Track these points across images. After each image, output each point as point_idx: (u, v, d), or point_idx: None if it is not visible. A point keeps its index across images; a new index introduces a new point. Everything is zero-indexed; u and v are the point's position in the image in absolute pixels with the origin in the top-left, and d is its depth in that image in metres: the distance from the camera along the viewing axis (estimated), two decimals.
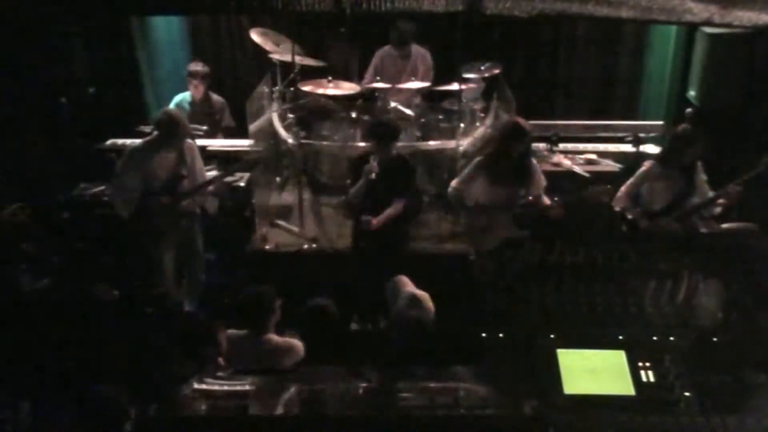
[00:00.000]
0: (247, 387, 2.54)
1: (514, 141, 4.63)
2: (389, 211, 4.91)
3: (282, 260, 5.62)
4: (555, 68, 7.35)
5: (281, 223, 6.00)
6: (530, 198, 4.79)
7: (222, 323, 3.51)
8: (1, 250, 4.94)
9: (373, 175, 4.75)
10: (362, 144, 5.71)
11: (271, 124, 6.23)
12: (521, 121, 4.74)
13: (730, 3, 3.21)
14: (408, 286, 3.93)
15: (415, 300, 3.70)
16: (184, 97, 6.27)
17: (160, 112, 4.84)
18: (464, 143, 5.88)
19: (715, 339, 2.87)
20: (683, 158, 4.79)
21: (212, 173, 5.60)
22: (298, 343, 3.69)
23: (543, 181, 4.88)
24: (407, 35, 6.24)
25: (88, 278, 4.74)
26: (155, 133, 4.81)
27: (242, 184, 5.67)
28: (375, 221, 4.86)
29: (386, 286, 4.07)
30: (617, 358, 2.69)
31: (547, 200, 4.77)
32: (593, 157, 5.86)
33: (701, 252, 4.04)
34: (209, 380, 2.70)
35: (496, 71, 6.13)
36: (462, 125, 6.02)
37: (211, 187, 5.01)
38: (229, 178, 5.34)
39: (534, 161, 4.98)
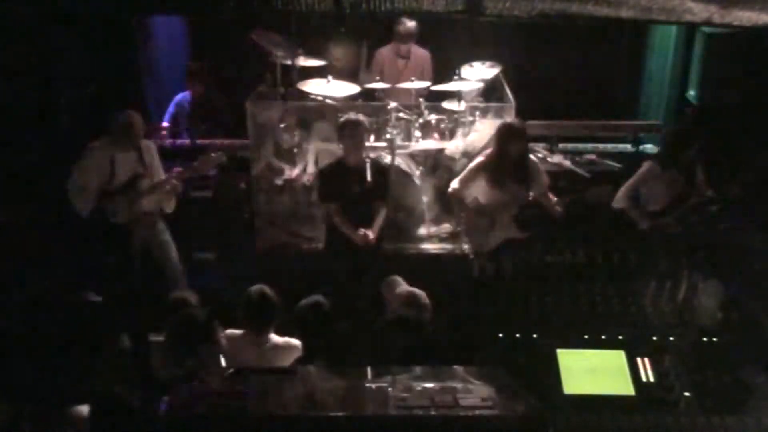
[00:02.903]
0: (247, 387, 2.54)
1: (511, 142, 4.63)
2: (379, 219, 4.86)
3: (282, 260, 5.62)
4: (555, 68, 7.34)
5: (281, 223, 6.00)
6: (532, 197, 4.79)
7: (222, 323, 3.51)
8: (1, 250, 4.94)
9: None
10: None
11: (271, 124, 6.23)
12: (516, 122, 4.74)
13: (730, 3, 3.20)
14: (403, 285, 3.94)
15: (412, 298, 3.70)
16: (184, 96, 6.28)
17: (120, 112, 4.75)
18: (464, 143, 5.88)
19: (715, 339, 2.87)
20: (682, 158, 4.79)
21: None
22: (298, 343, 3.69)
23: (546, 180, 4.88)
24: (412, 31, 6.25)
25: (87, 279, 4.75)
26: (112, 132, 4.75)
27: (242, 184, 5.67)
28: (371, 235, 4.76)
29: (382, 286, 4.08)
30: (617, 358, 2.69)
31: (552, 198, 4.77)
32: (593, 157, 5.87)
33: (701, 252, 4.05)
34: (209, 380, 2.70)
35: (496, 71, 6.13)
36: (462, 125, 6.02)
37: (168, 186, 4.94)
38: (185, 176, 5.25)
39: (535, 160, 4.98)
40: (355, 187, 4.71)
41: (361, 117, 4.86)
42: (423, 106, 6.06)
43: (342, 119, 4.86)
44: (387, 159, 5.56)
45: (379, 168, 4.99)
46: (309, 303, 3.69)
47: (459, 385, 2.39)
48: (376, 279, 4.35)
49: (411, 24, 6.24)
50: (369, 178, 4.69)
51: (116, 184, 4.76)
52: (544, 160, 5.67)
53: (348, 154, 4.76)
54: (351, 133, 4.70)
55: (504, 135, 4.67)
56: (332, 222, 4.88)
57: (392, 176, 5.58)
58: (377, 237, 4.86)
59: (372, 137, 5.86)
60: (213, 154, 5.09)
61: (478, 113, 5.96)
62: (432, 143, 5.93)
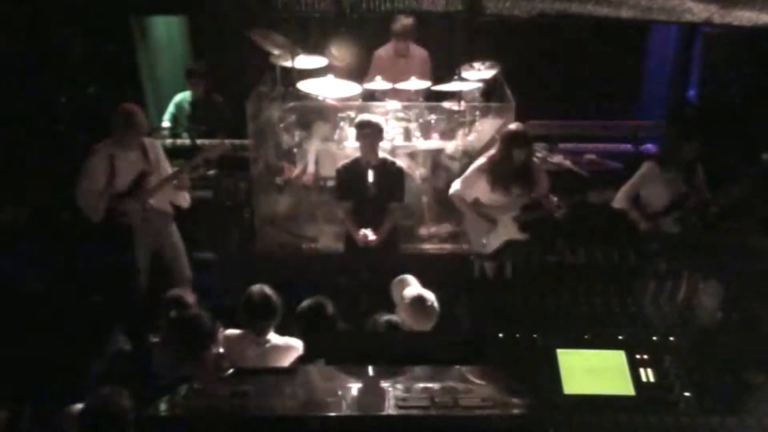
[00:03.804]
0: (247, 387, 2.54)
1: (515, 148, 4.62)
2: (389, 220, 4.89)
3: (282, 260, 5.62)
4: (555, 68, 7.34)
5: (281, 223, 6.00)
6: (533, 198, 4.79)
7: (222, 323, 3.51)
8: (1, 250, 4.94)
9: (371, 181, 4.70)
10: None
11: (271, 124, 6.23)
12: (522, 128, 4.72)
13: (730, 3, 3.21)
14: (413, 285, 3.93)
15: (418, 302, 3.69)
16: (184, 96, 6.28)
17: (118, 107, 4.73)
18: (464, 143, 5.89)
19: (715, 339, 2.87)
20: (681, 158, 4.79)
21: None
22: (298, 343, 3.69)
23: (547, 182, 4.88)
24: (410, 28, 6.25)
25: (87, 278, 4.75)
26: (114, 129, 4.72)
27: (242, 184, 5.67)
28: (374, 236, 4.82)
29: (392, 284, 4.07)
30: (617, 358, 2.69)
31: (553, 200, 4.77)
32: (593, 157, 5.87)
33: (701, 252, 4.05)
34: (209, 380, 2.70)
35: (496, 71, 6.13)
36: (462, 125, 6.02)
37: (174, 182, 4.95)
38: (190, 172, 5.27)
39: (536, 162, 4.98)
40: (370, 188, 4.74)
41: (375, 117, 4.91)
42: (423, 106, 6.07)
43: (358, 120, 4.91)
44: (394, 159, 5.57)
45: (392, 169, 5.01)
46: (310, 303, 3.69)
47: (459, 385, 2.39)
48: (381, 278, 4.35)
49: (408, 21, 6.24)
50: (379, 178, 4.71)
51: (124, 184, 4.75)
52: (544, 160, 5.66)
53: (364, 154, 4.79)
54: (367, 134, 4.73)
55: (508, 140, 4.65)
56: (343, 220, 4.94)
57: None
58: (386, 238, 4.87)
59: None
60: (217, 142, 5.13)
61: (478, 113, 5.96)
62: (432, 143, 5.93)
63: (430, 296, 3.75)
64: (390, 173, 4.94)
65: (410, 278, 4.00)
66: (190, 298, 3.83)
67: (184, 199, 5.04)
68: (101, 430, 2.73)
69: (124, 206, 4.74)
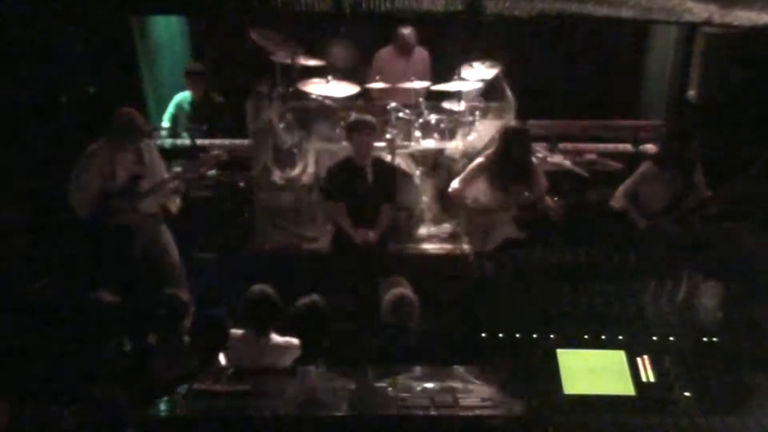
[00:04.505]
0: (247, 387, 2.54)
1: (514, 145, 4.62)
2: (383, 221, 4.89)
3: (282, 260, 5.62)
4: (555, 68, 7.34)
5: (281, 223, 6.00)
6: (532, 198, 4.79)
7: (222, 323, 3.52)
8: (1, 250, 4.94)
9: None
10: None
11: (271, 124, 6.23)
12: (520, 124, 4.73)
13: (730, 3, 3.21)
14: (400, 286, 3.93)
15: (396, 303, 3.69)
16: (184, 96, 6.27)
17: (117, 111, 4.71)
18: (464, 143, 5.88)
19: (715, 339, 2.87)
20: (680, 158, 4.79)
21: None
22: (298, 343, 3.69)
23: (544, 182, 4.88)
24: (411, 43, 6.28)
25: (88, 279, 4.74)
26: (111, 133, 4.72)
27: (242, 184, 5.67)
28: (373, 235, 4.82)
29: (381, 286, 4.08)
30: (617, 358, 2.69)
31: (549, 200, 4.77)
32: (593, 157, 5.87)
33: (701, 252, 4.04)
34: (209, 380, 2.71)
35: (496, 71, 6.13)
36: (462, 125, 6.02)
37: (170, 185, 4.95)
38: (187, 176, 5.25)
39: (534, 161, 4.98)
40: (362, 187, 4.72)
41: (369, 117, 4.89)
42: (423, 106, 6.07)
43: (351, 119, 4.89)
44: (387, 159, 5.56)
45: (386, 169, 4.99)
46: (306, 303, 3.69)
47: (459, 385, 2.40)
48: (377, 279, 4.36)
49: (408, 32, 6.29)
50: (373, 178, 4.70)
51: (117, 185, 4.75)
52: (544, 160, 5.66)
53: (356, 153, 4.78)
54: (360, 133, 4.72)
55: (507, 138, 4.66)
56: (335, 221, 4.91)
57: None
58: (380, 238, 4.87)
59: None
60: (212, 152, 5.11)
61: (478, 113, 5.95)
62: (432, 143, 5.93)
63: (410, 298, 3.74)
64: (383, 173, 4.92)
65: (399, 280, 4.00)
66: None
67: (175, 204, 5.03)
68: (102, 429, 2.74)
69: (115, 207, 4.74)
